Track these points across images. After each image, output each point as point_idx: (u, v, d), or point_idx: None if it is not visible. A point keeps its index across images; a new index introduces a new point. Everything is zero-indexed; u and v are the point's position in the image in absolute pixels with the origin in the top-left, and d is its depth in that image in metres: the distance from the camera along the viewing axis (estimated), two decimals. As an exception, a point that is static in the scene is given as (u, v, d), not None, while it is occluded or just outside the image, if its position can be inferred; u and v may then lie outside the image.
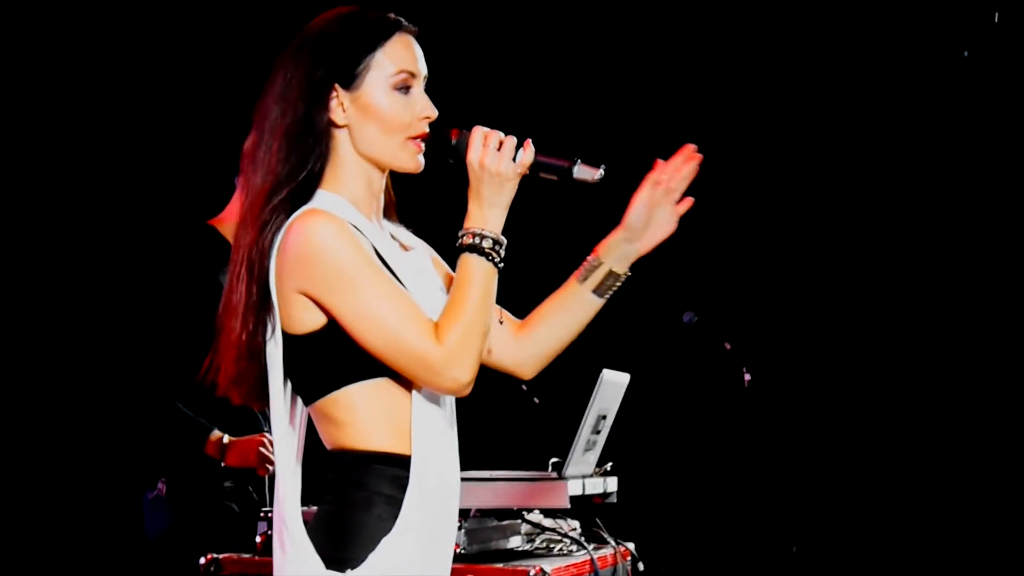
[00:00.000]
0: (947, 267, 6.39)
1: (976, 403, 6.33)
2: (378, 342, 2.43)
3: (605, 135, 6.24)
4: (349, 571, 2.43)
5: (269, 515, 3.75)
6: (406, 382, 2.49)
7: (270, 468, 4.10)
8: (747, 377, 5.50)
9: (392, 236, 2.64)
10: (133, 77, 6.20)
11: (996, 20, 6.17)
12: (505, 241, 2.51)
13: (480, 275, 2.48)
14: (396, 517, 2.45)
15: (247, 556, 3.76)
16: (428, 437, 2.50)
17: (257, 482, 4.26)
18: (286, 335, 2.48)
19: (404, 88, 2.54)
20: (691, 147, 2.75)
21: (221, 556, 3.73)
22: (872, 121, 6.46)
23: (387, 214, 2.68)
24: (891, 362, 6.42)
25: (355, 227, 2.49)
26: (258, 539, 3.76)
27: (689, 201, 2.78)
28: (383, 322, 2.42)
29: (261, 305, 2.48)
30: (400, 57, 2.54)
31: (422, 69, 2.57)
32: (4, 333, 6.11)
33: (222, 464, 4.12)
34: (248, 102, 4.20)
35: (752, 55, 6.53)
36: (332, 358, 2.47)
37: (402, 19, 2.58)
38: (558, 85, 6.54)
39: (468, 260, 2.49)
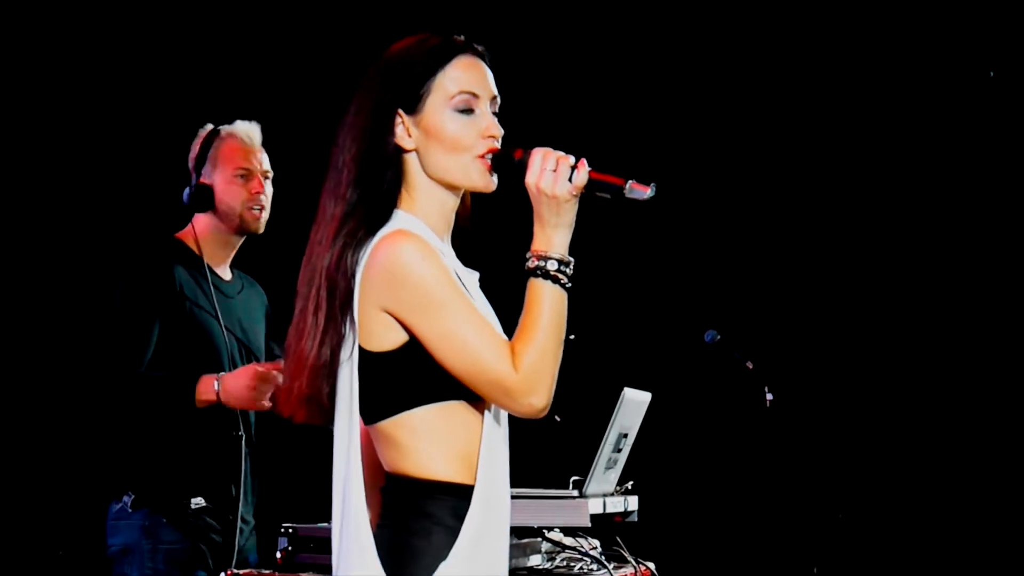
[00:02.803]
0: (975, 290, 6.38)
1: (1005, 433, 6.31)
2: (459, 364, 2.46)
3: (662, 150, 6.26)
4: None
5: (290, 531, 3.75)
6: (473, 409, 2.53)
7: (267, 404, 3.92)
8: (769, 397, 5.49)
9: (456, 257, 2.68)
10: (100, 91, 6.20)
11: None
12: (572, 260, 2.54)
13: (549, 299, 2.50)
14: (452, 545, 2.47)
15: (267, 572, 3.75)
16: (491, 467, 2.53)
17: (229, 498, 4.17)
18: (363, 351, 2.50)
19: (466, 109, 2.57)
20: None
21: (241, 572, 3.72)
22: (897, 145, 6.46)
23: (461, 222, 2.71)
24: (916, 384, 6.41)
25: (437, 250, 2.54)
26: (278, 555, 3.76)
27: None
28: (466, 345, 2.45)
29: (343, 322, 2.50)
30: (461, 79, 2.58)
31: (487, 90, 2.60)
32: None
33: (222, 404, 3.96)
34: (217, 118, 4.26)
35: (784, 77, 6.54)
36: (404, 378, 2.49)
37: (468, 42, 2.61)
38: (618, 101, 6.56)
39: (535, 284, 2.51)
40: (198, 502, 4.03)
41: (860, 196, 6.51)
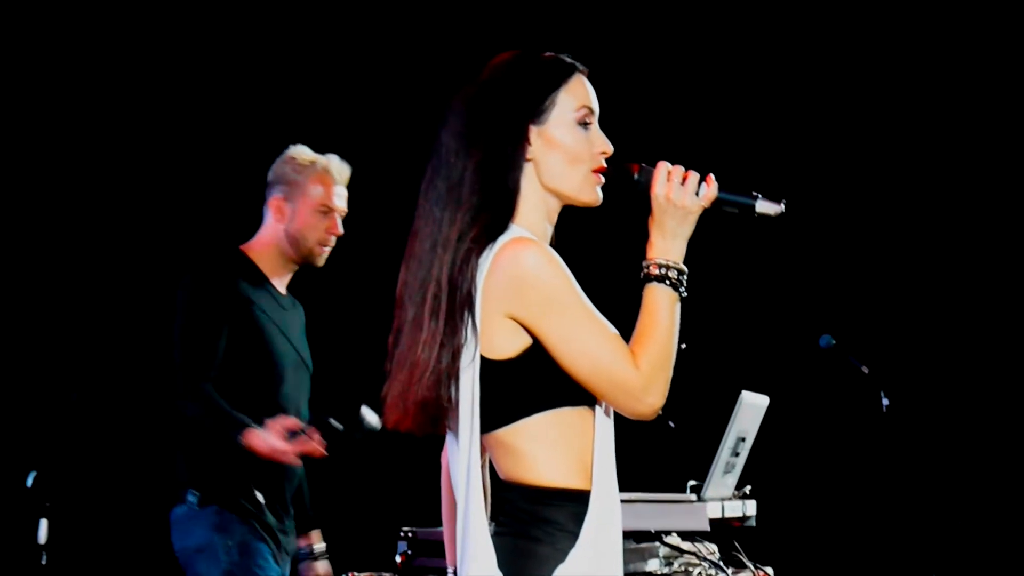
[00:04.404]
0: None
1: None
2: (584, 367, 2.52)
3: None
4: None
5: (410, 535, 3.79)
6: (586, 416, 2.56)
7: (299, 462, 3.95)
8: (885, 402, 5.45)
9: None
10: (174, 101, 6.30)
11: None
12: (687, 270, 2.61)
13: (667, 303, 2.57)
14: (571, 549, 2.52)
15: (387, 575, 3.78)
16: (605, 472, 2.57)
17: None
18: (485, 361, 2.54)
19: (585, 124, 2.64)
20: None
21: (363, 574, 3.76)
22: (1017, 148, 6.39)
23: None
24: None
25: None
26: (398, 559, 3.79)
27: None
28: (591, 348, 2.51)
29: (463, 327, 2.54)
30: (581, 94, 2.65)
31: (597, 107, 2.68)
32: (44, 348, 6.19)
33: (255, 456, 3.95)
34: (283, 133, 4.32)
35: (903, 81, 6.50)
36: (522, 386, 2.54)
37: (577, 61, 2.69)
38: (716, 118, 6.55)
39: (655, 289, 2.58)
40: (259, 498, 4.04)
41: (977, 198, 6.44)
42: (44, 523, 4.91)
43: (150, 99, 6.28)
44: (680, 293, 2.58)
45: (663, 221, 2.61)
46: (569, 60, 2.68)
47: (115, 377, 6.12)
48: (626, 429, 2.69)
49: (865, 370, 5.47)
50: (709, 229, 2.76)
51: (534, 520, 2.53)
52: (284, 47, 6.41)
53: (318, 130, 4.48)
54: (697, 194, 2.61)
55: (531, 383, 2.53)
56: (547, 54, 2.67)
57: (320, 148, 4.34)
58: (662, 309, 2.56)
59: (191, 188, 6.28)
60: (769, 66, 6.59)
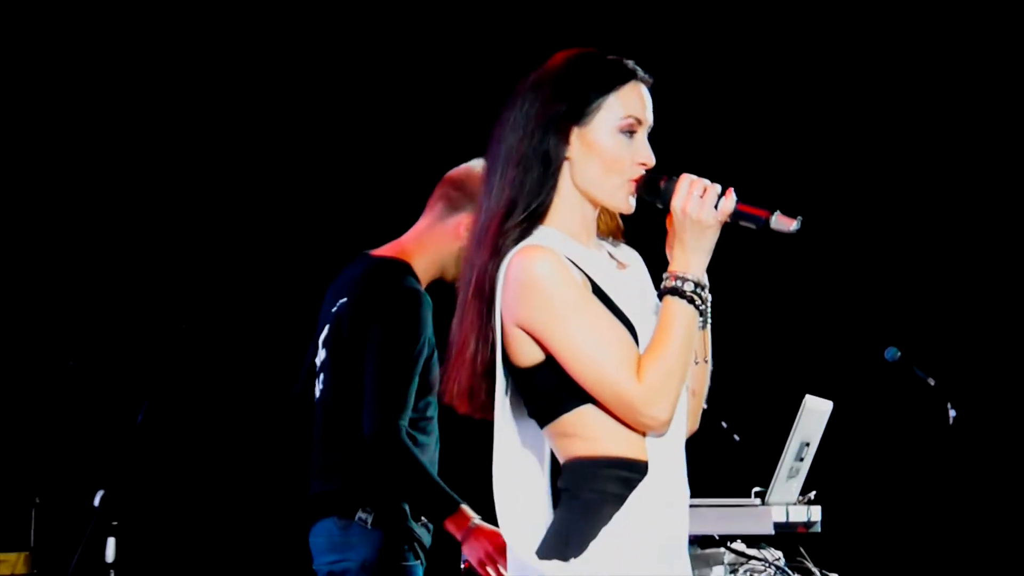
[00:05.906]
0: None
1: None
2: (584, 376, 2.52)
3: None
4: (572, 560, 2.51)
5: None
6: None
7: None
8: (952, 413, 5.42)
9: (610, 255, 2.71)
10: (316, 105, 6.37)
11: None
12: (707, 284, 2.59)
13: (681, 317, 2.56)
14: (616, 512, 2.52)
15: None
16: (660, 444, 2.55)
17: None
18: (513, 367, 2.58)
19: (629, 132, 2.62)
20: None
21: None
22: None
23: (611, 235, 2.75)
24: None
25: (571, 260, 2.58)
26: (463, 565, 3.79)
27: None
28: (589, 357, 2.51)
29: (488, 326, 2.58)
30: (631, 103, 2.63)
31: (649, 118, 2.65)
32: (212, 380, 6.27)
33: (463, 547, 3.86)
34: (418, 129, 4.27)
35: (956, 93, 6.47)
36: (559, 387, 2.55)
37: (639, 68, 2.67)
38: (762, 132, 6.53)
39: (670, 303, 2.57)
40: (424, 522, 3.99)
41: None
42: (112, 542, 4.95)
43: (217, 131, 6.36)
44: (696, 307, 2.56)
45: (682, 235, 2.59)
46: (631, 66, 2.66)
47: (182, 395, 6.17)
48: (690, 437, 2.68)
49: (932, 382, 5.44)
50: (776, 237, 2.74)
51: (583, 489, 2.54)
52: (297, 48, 6.46)
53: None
54: (716, 207, 2.58)
55: (566, 383, 2.54)
56: (611, 56, 2.66)
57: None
58: (674, 322, 2.55)
59: (258, 214, 6.35)
60: (827, 82, 6.58)
